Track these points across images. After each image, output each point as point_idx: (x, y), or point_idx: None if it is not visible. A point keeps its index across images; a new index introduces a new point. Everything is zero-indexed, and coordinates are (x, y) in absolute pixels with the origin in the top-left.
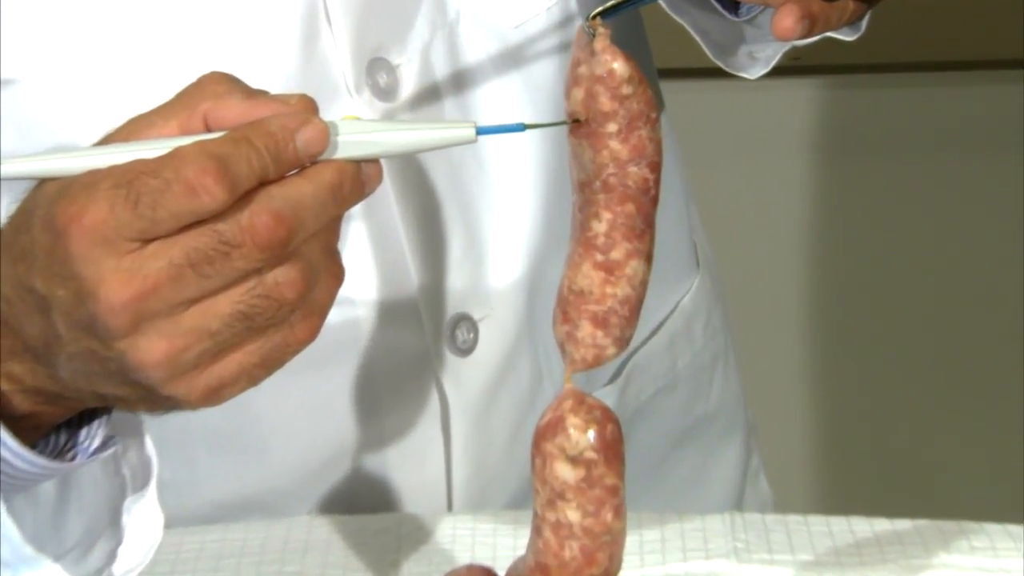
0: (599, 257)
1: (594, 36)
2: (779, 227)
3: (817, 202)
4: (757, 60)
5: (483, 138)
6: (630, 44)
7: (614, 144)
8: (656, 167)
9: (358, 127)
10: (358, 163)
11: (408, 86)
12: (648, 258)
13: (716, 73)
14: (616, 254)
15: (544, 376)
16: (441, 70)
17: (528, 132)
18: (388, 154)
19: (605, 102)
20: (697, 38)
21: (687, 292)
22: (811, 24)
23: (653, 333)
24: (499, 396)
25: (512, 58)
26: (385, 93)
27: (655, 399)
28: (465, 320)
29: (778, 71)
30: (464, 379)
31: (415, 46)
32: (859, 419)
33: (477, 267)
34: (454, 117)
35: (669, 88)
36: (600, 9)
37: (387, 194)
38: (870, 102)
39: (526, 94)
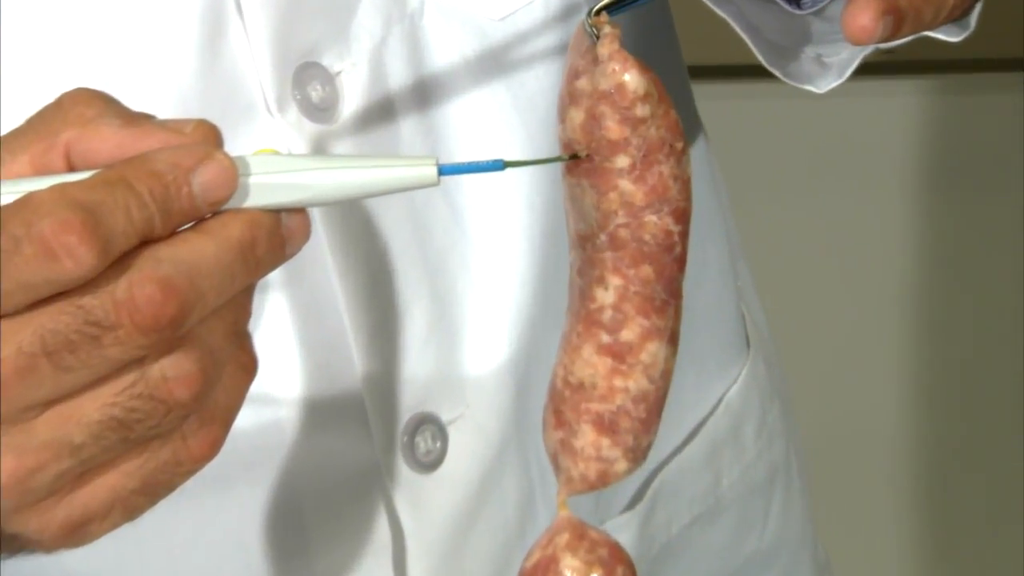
0: (605, 338)
1: (598, 37)
2: (866, 289)
3: (922, 252)
4: (828, 67)
5: (454, 179)
6: (651, 43)
7: (625, 184)
8: (683, 215)
9: (279, 164)
10: (278, 213)
11: (351, 102)
12: (673, 339)
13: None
14: (628, 334)
15: (537, 498)
16: (398, 80)
17: (515, 171)
18: (320, 201)
19: (612, 127)
20: (745, 37)
21: (733, 383)
22: (896, 22)
23: (687, 441)
24: (475, 527)
25: (496, 64)
26: (319, 112)
27: (691, 531)
28: (429, 423)
29: (865, 70)
30: (427, 503)
31: (362, 46)
32: (974, 560)
33: (446, 350)
34: (413, 147)
35: (708, 94)
36: (606, 1)
37: (321, 253)
38: (995, 110)
39: (515, 114)
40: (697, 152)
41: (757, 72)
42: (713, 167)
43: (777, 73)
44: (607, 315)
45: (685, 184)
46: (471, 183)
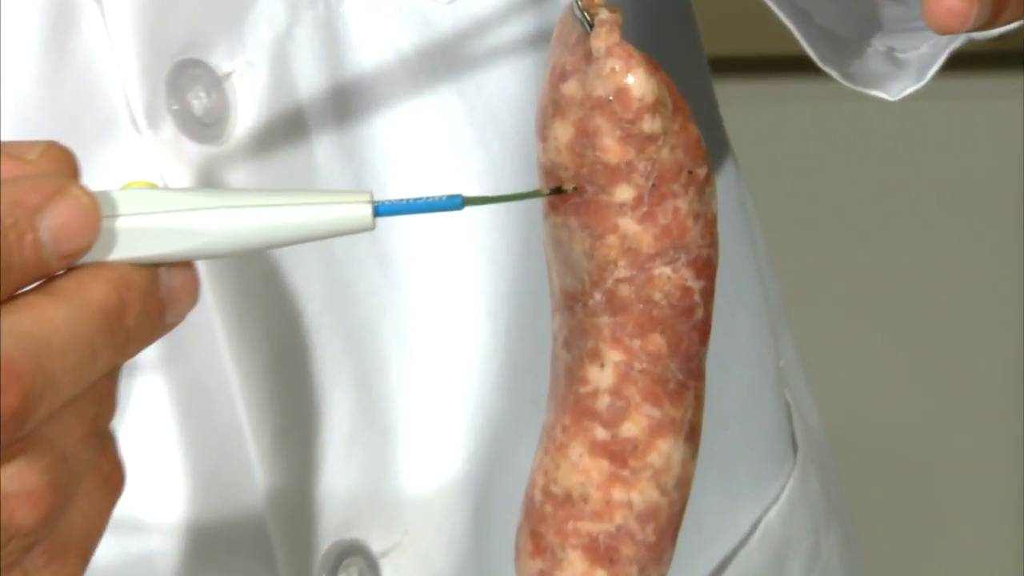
0: (601, 433)
1: (591, 26)
2: (966, 369)
3: None
4: (903, 65)
5: (389, 221)
6: (663, 32)
7: (628, 224)
8: (706, 267)
9: (157, 202)
10: (155, 269)
11: (247, 114)
12: (692, 436)
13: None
14: (632, 428)
15: None
16: (310, 85)
17: (471, 210)
18: (213, 252)
19: (611, 147)
20: (790, 25)
21: (773, 502)
22: (996, 4)
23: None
24: None
25: (444, 62)
26: (204, 128)
27: None
28: (355, 555)
29: (960, 61)
30: None
31: (260, 39)
32: None
33: (378, 455)
34: (331, 176)
35: (733, 96)
36: None
37: (208, 322)
38: None
39: (471, 131)
40: (724, 180)
41: (799, 67)
42: (745, 200)
43: (834, 74)
44: (603, 402)
45: (709, 224)
46: (411, 227)
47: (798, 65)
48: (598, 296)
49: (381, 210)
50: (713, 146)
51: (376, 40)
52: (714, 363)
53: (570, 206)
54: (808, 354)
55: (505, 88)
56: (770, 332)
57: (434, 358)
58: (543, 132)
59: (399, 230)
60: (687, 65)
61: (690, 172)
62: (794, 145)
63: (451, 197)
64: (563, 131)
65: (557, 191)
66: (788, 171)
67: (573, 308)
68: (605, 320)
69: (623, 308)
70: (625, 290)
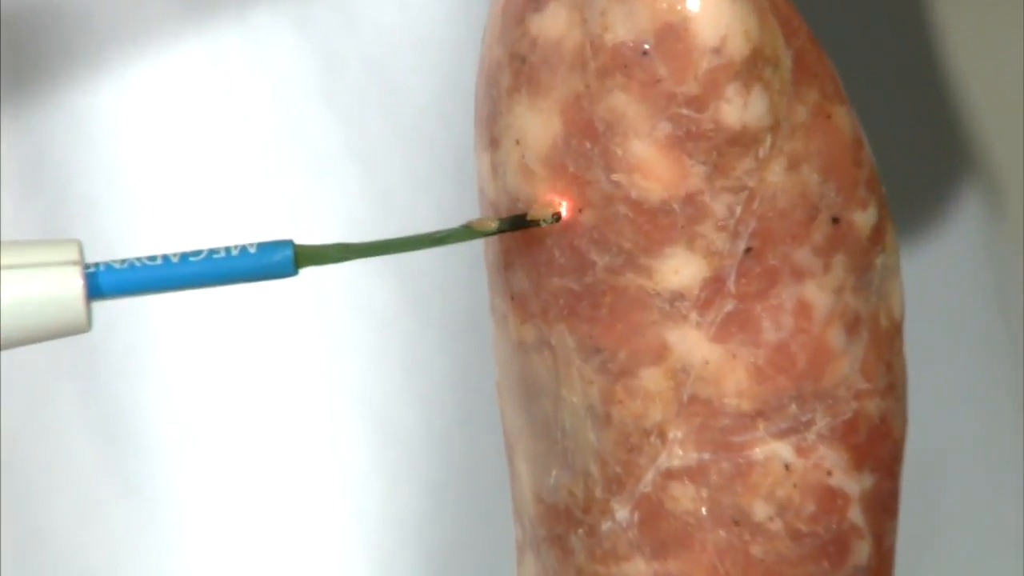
0: None
1: None
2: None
3: None
4: None
5: (133, 307)
6: None
7: (691, 340)
8: (876, 443)
9: None
10: None
11: None
12: None
13: None
14: None
15: None
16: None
17: (333, 289)
18: None
19: (651, 161)
20: None
21: None
22: None
23: None
24: None
25: None
26: None
27: None
28: None
29: None
30: None
31: None
32: None
33: None
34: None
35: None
36: None
37: None
38: None
39: (333, 118)
40: (951, 230)
41: None
42: (1007, 273)
43: None
44: None
45: (882, 341)
46: (187, 323)
47: None
48: (622, 510)
49: (104, 284)
50: (915, 146)
51: None
52: None
53: (557, 300)
54: None
55: (407, 33)
56: None
57: None
58: (490, 125)
59: (166, 332)
60: None
61: (835, 220)
62: None
63: (273, 246)
64: (538, 124)
65: (518, 225)
66: None
67: (565, 539)
68: (641, 568)
69: (683, 538)
70: (686, 496)
